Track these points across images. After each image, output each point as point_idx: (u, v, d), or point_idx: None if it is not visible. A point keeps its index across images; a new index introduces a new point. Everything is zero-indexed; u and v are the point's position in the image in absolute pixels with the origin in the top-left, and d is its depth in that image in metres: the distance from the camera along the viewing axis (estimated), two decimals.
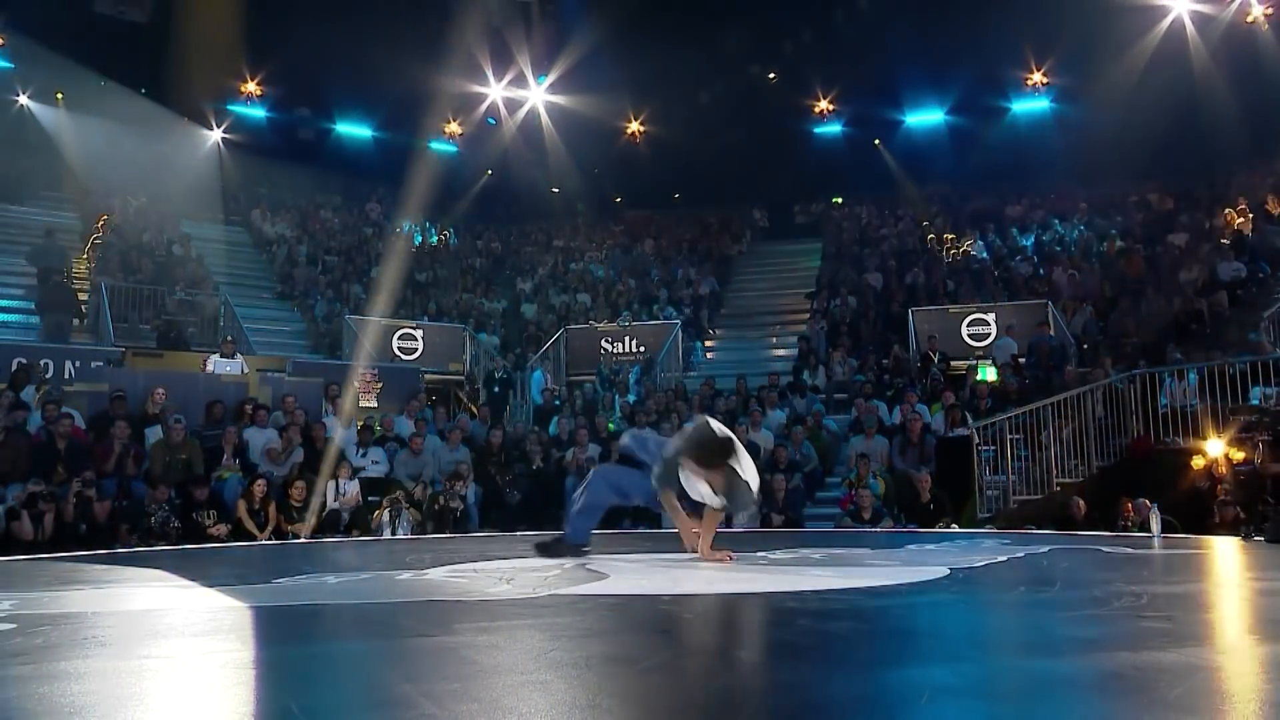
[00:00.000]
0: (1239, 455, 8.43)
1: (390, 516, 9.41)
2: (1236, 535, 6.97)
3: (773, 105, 22.70)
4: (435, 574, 4.89)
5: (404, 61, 18.56)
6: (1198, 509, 8.68)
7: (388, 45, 18.59)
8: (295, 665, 2.71)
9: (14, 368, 10.49)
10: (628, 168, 23.22)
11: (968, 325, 14.70)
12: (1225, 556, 5.84)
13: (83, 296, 14.99)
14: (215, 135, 20.97)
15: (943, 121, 22.05)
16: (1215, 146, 17.61)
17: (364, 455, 10.59)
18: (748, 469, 4.90)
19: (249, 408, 10.62)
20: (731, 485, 4.85)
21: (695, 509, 5.27)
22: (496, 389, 14.76)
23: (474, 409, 13.59)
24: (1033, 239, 18.00)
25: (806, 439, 11.40)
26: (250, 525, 8.98)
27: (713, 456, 4.82)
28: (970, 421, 10.69)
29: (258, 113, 21.65)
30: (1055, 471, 10.36)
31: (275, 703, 2.24)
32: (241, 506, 9.05)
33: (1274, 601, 4.14)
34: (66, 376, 11.36)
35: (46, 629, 3.20)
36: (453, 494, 9.98)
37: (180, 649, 2.96)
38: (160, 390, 10.39)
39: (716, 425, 5.06)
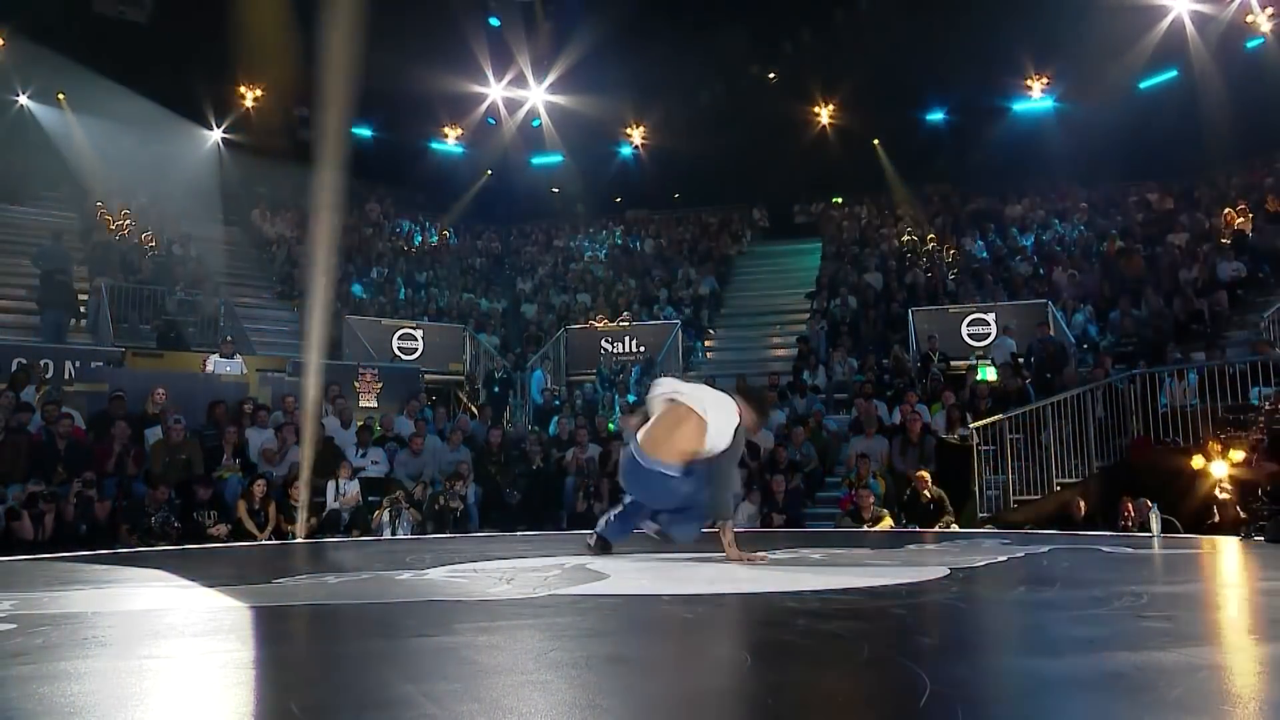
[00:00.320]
0: (1236, 456, 8.42)
1: (390, 516, 9.41)
2: (1236, 535, 6.97)
3: (772, 105, 22.69)
4: (435, 574, 4.89)
5: (404, 61, 18.56)
6: (1198, 509, 8.68)
7: (388, 45, 18.57)
8: (295, 665, 2.71)
9: (14, 368, 10.49)
10: (627, 168, 23.22)
11: (968, 325, 14.70)
12: (1225, 556, 5.84)
13: (83, 297, 15.00)
14: (215, 135, 20.96)
15: (943, 121, 22.04)
16: (1215, 146, 17.61)
17: (364, 455, 10.59)
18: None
19: (249, 408, 10.62)
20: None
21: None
22: (496, 389, 14.76)
23: (474, 409, 13.60)
24: (1033, 239, 18.00)
25: (806, 439, 11.40)
26: (250, 525, 8.98)
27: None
28: (968, 421, 10.69)
29: (260, 113, 21.61)
30: (1055, 471, 10.36)
31: (275, 703, 2.24)
32: (241, 506, 9.06)
33: (1274, 601, 4.14)
34: (66, 376, 11.36)
35: (46, 629, 3.20)
36: (453, 494, 9.98)
37: (180, 649, 2.96)
38: (160, 390, 10.39)
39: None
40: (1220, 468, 8.58)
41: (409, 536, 9.17)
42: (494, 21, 21.01)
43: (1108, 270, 15.90)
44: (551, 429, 12.32)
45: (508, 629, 3.22)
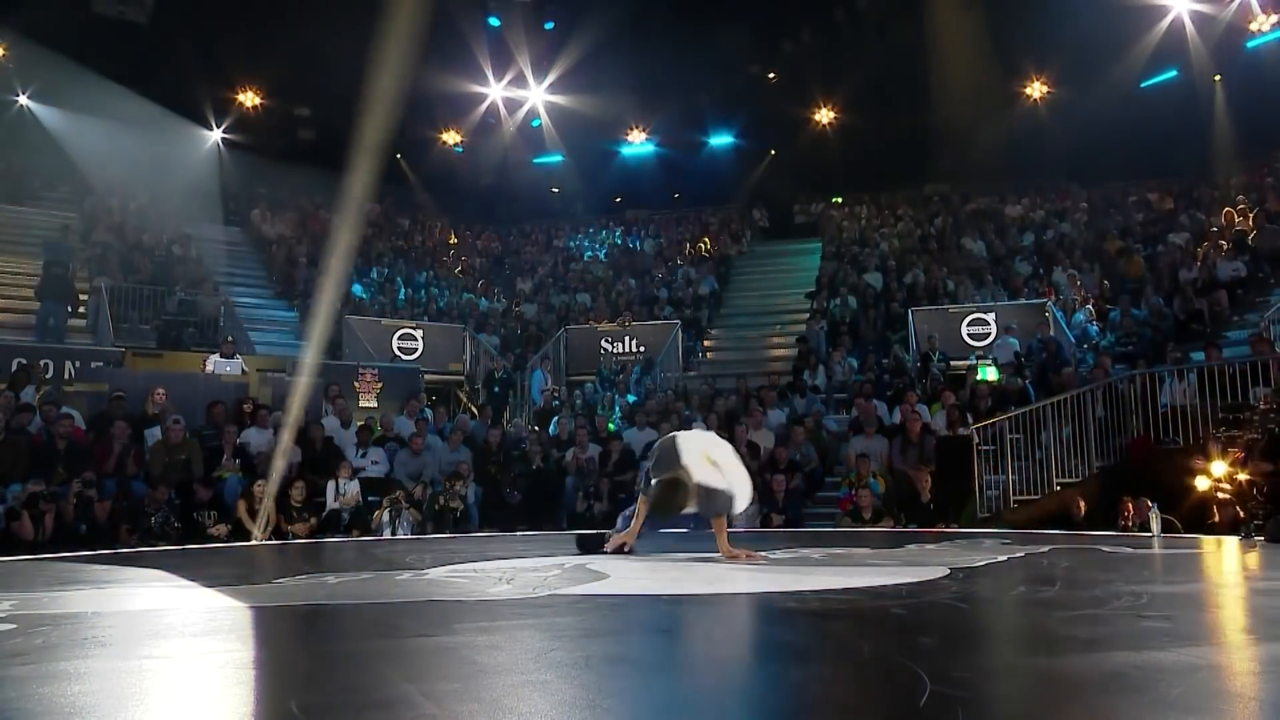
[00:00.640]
0: (1235, 455, 8.42)
1: (390, 516, 9.41)
2: (1236, 535, 6.97)
3: (772, 105, 22.70)
4: (435, 574, 4.89)
5: (404, 62, 18.52)
6: (1198, 509, 8.68)
7: (387, 45, 18.57)
8: (295, 665, 2.71)
9: (14, 368, 10.48)
10: (627, 168, 23.23)
11: (967, 325, 14.69)
12: (1225, 556, 5.85)
13: (83, 296, 15.00)
14: (215, 135, 20.96)
15: (942, 120, 22.01)
16: (1215, 146, 17.62)
17: (364, 455, 10.59)
18: (702, 474, 5.17)
19: (248, 408, 10.62)
20: (702, 494, 5.18)
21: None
22: (496, 389, 14.76)
23: (474, 409, 13.59)
24: (1033, 239, 18.00)
25: (806, 439, 11.39)
26: (250, 525, 8.98)
27: (662, 472, 5.26)
28: (970, 421, 10.69)
29: (257, 113, 21.61)
30: (1055, 471, 10.36)
31: (275, 703, 2.24)
32: (241, 506, 9.05)
33: (1273, 601, 4.14)
34: (66, 376, 11.36)
35: (46, 629, 3.20)
36: (453, 494, 9.98)
37: (180, 649, 2.96)
38: (160, 390, 10.38)
39: (678, 440, 5.42)
40: (1219, 467, 8.58)
41: (409, 536, 9.17)
42: (493, 21, 21.00)
43: (1108, 270, 15.90)
44: (551, 429, 12.32)
45: (508, 629, 3.22)
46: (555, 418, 12.69)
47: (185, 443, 9.62)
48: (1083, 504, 9.27)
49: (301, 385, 10.44)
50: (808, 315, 16.88)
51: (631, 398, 13.87)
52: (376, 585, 4.65)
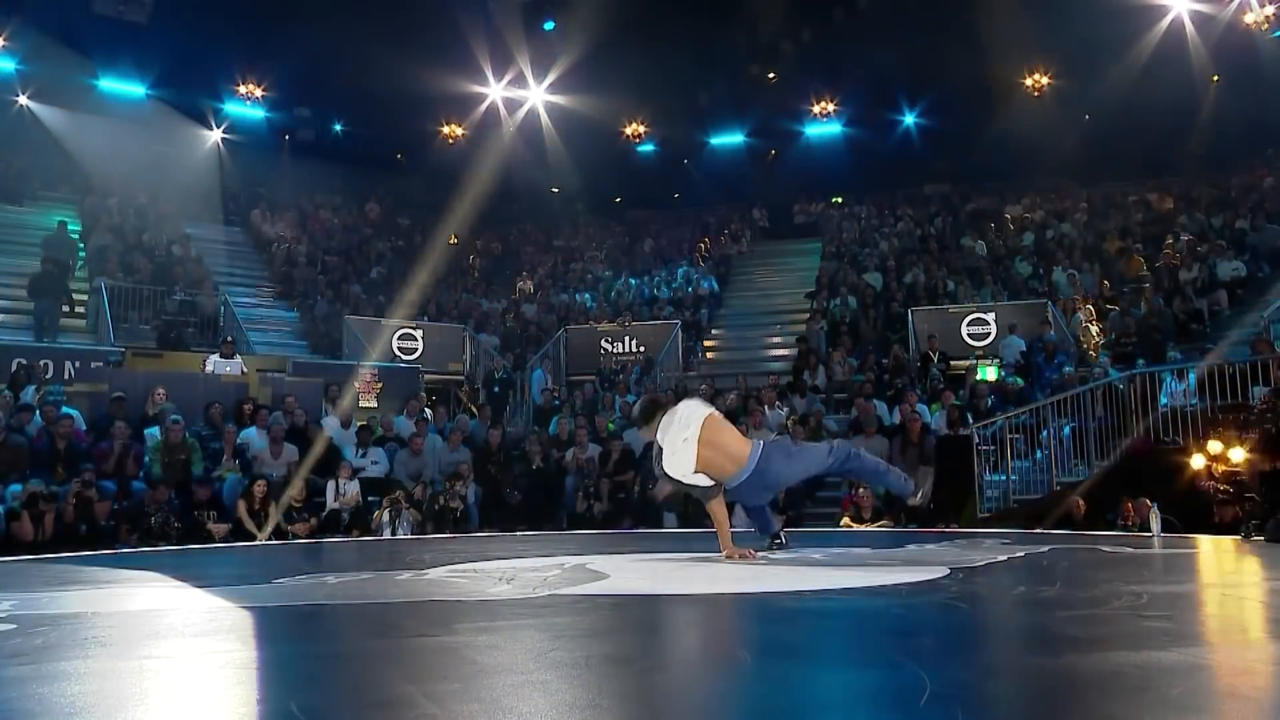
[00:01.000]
0: (1233, 455, 8.42)
1: (390, 516, 9.41)
2: (1236, 535, 6.97)
3: (772, 105, 22.69)
4: (435, 574, 4.89)
5: (404, 61, 18.57)
6: (1198, 509, 8.68)
7: (388, 45, 18.59)
8: (295, 665, 2.71)
9: (14, 368, 10.48)
10: (628, 168, 23.21)
11: (967, 325, 14.69)
12: (1225, 556, 5.84)
13: (83, 297, 15.01)
14: (215, 135, 20.96)
15: (942, 121, 22.03)
16: (1215, 146, 17.62)
17: (364, 455, 10.59)
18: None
19: (248, 408, 10.62)
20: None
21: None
22: (496, 389, 14.76)
23: (474, 409, 13.60)
24: (1032, 239, 18.01)
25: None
26: (250, 525, 8.98)
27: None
28: (970, 421, 10.69)
29: (257, 113, 21.62)
30: (1055, 471, 10.36)
31: (275, 703, 2.24)
32: (241, 506, 9.05)
33: (1274, 601, 4.14)
34: (66, 377, 11.36)
35: (46, 629, 3.20)
36: (453, 494, 9.98)
37: (180, 649, 2.96)
38: (160, 390, 10.39)
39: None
40: (1215, 446, 8.59)
41: (409, 536, 9.17)
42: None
43: (1108, 270, 15.90)
44: (551, 429, 12.32)
45: (508, 629, 3.22)
46: (555, 418, 12.70)
47: (185, 443, 9.62)
48: (1082, 504, 9.27)
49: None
50: (808, 315, 16.89)
51: (631, 398, 13.86)
52: (376, 585, 4.65)
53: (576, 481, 10.76)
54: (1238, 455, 8.11)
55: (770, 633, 3.38)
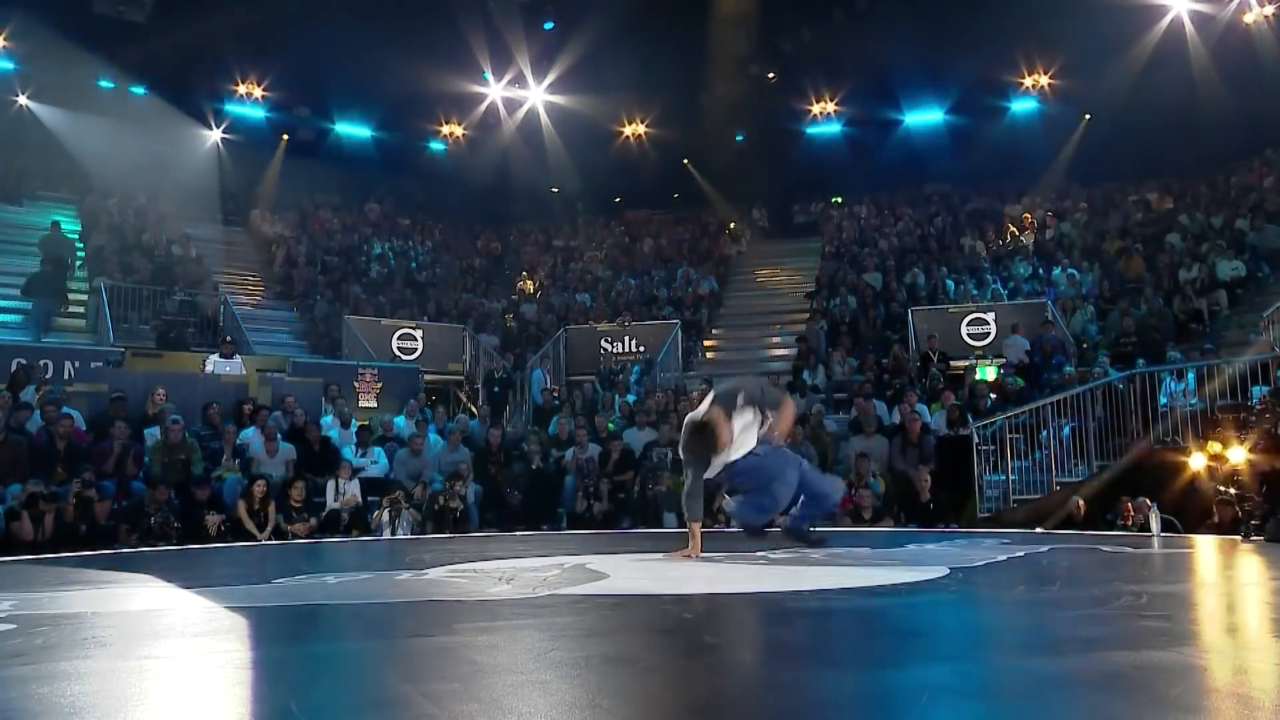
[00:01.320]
0: (1232, 455, 8.42)
1: (390, 516, 9.41)
2: (1236, 535, 6.97)
3: (772, 105, 22.68)
4: (435, 574, 4.89)
5: (404, 61, 18.57)
6: (1197, 509, 8.68)
7: (388, 45, 18.60)
8: (295, 665, 2.71)
9: (14, 368, 10.48)
10: (627, 168, 23.21)
11: (967, 325, 14.70)
12: (1225, 556, 5.84)
13: (83, 297, 15.01)
14: (215, 135, 20.96)
15: (942, 121, 22.04)
16: (1215, 145, 17.62)
17: (364, 455, 10.59)
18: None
19: (248, 408, 10.61)
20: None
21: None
22: (496, 389, 14.76)
23: (474, 409, 13.58)
24: (1032, 239, 18.01)
25: (806, 439, 11.39)
26: (250, 525, 8.98)
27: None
28: (970, 421, 10.69)
29: (257, 113, 21.62)
30: (1055, 471, 10.36)
31: (275, 703, 2.25)
32: (241, 506, 9.05)
33: (1274, 601, 4.14)
34: (66, 377, 11.36)
35: (46, 629, 3.20)
36: (453, 494, 9.98)
37: (180, 649, 2.96)
38: (160, 391, 10.39)
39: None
40: (1213, 446, 8.59)
41: (409, 536, 9.17)
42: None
43: (1108, 270, 15.91)
44: (551, 429, 12.32)
45: (507, 629, 3.22)
46: (555, 418, 12.70)
47: (184, 443, 9.62)
48: (1082, 504, 9.28)
49: None
50: (808, 315, 16.89)
51: (631, 398, 13.87)
52: (376, 585, 4.65)
53: (576, 481, 10.76)
54: (1238, 455, 8.11)
55: (770, 633, 3.38)
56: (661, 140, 22.89)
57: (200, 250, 17.39)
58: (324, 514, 9.53)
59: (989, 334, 14.47)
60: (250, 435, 10.20)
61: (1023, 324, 14.04)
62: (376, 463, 10.61)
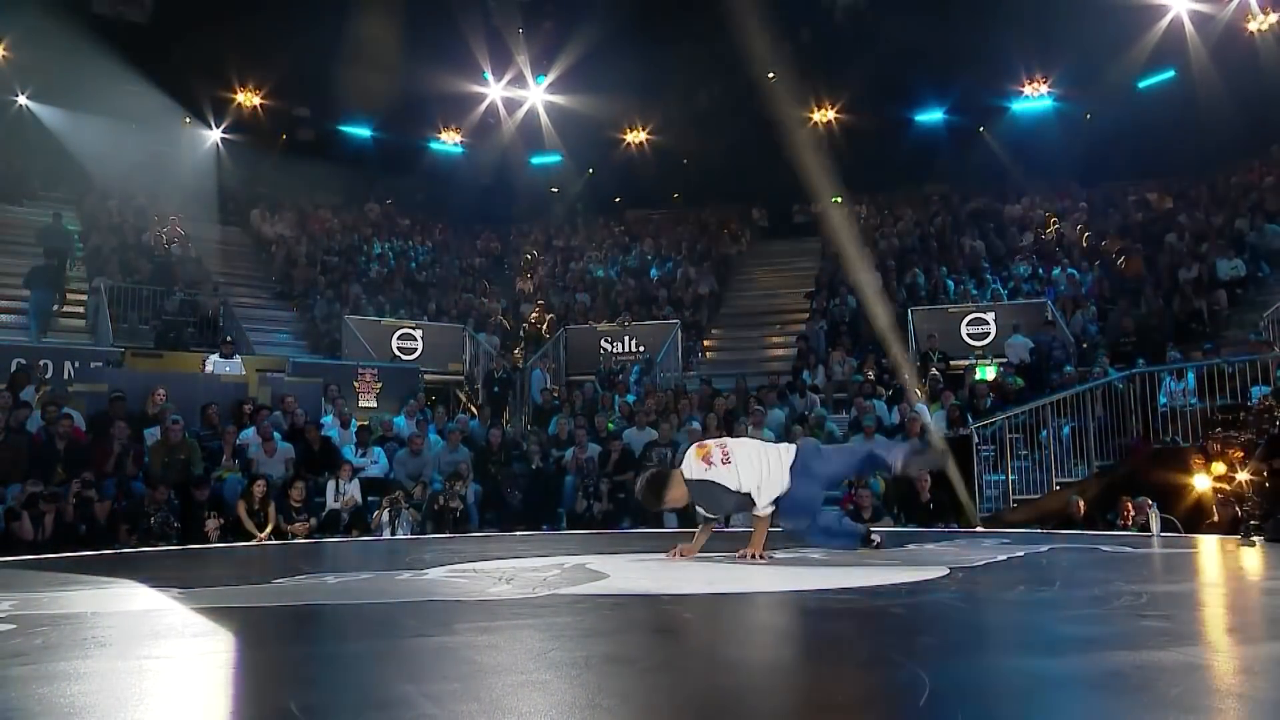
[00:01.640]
0: (1233, 455, 8.43)
1: (390, 516, 9.41)
2: (1236, 535, 6.97)
3: (772, 105, 22.65)
4: (435, 574, 4.89)
5: (404, 61, 18.57)
6: (1198, 509, 8.68)
7: (388, 45, 18.60)
8: (295, 665, 2.71)
9: (14, 368, 10.48)
10: (627, 168, 23.20)
11: (967, 325, 14.70)
12: (1225, 556, 5.84)
13: (83, 297, 15.00)
14: (214, 135, 20.96)
15: (942, 121, 22.03)
16: (1214, 145, 17.62)
17: (364, 455, 10.59)
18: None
19: (248, 408, 10.61)
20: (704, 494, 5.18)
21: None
22: (496, 389, 14.77)
23: (474, 409, 13.59)
24: (1032, 239, 18.01)
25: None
26: (250, 525, 8.98)
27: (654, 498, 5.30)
28: (970, 421, 10.70)
29: (257, 113, 21.60)
30: (1055, 471, 10.37)
31: (275, 703, 2.24)
32: (241, 507, 9.05)
33: (1274, 601, 4.14)
34: (66, 377, 11.36)
35: (46, 629, 3.20)
36: (453, 494, 9.98)
37: (180, 649, 2.96)
38: (160, 391, 10.39)
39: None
40: (1217, 467, 8.59)
41: (409, 536, 9.17)
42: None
43: (1108, 270, 15.91)
44: (551, 429, 12.32)
45: (507, 629, 3.22)
46: (555, 418, 12.70)
47: (184, 443, 9.62)
48: (1082, 504, 9.28)
49: None
50: (807, 315, 16.89)
51: (630, 398, 13.87)
52: (376, 585, 4.65)
53: (576, 481, 10.76)
54: (1237, 456, 8.12)
55: (770, 633, 3.38)
56: (662, 140, 22.90)
57: (200, 250, 17.39)
58: (324, 514, 9.53)
59: (989, 334, 14.48)
60: (250, 435, 10.21)
61: (1023, 324, 14.05)
62: (376, 463, 10.61)
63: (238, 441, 10.03)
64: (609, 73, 19.98)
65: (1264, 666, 2.55)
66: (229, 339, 13.02)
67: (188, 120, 20.40)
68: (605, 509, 10.40)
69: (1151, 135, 18.15)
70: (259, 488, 9.11)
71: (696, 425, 11.28)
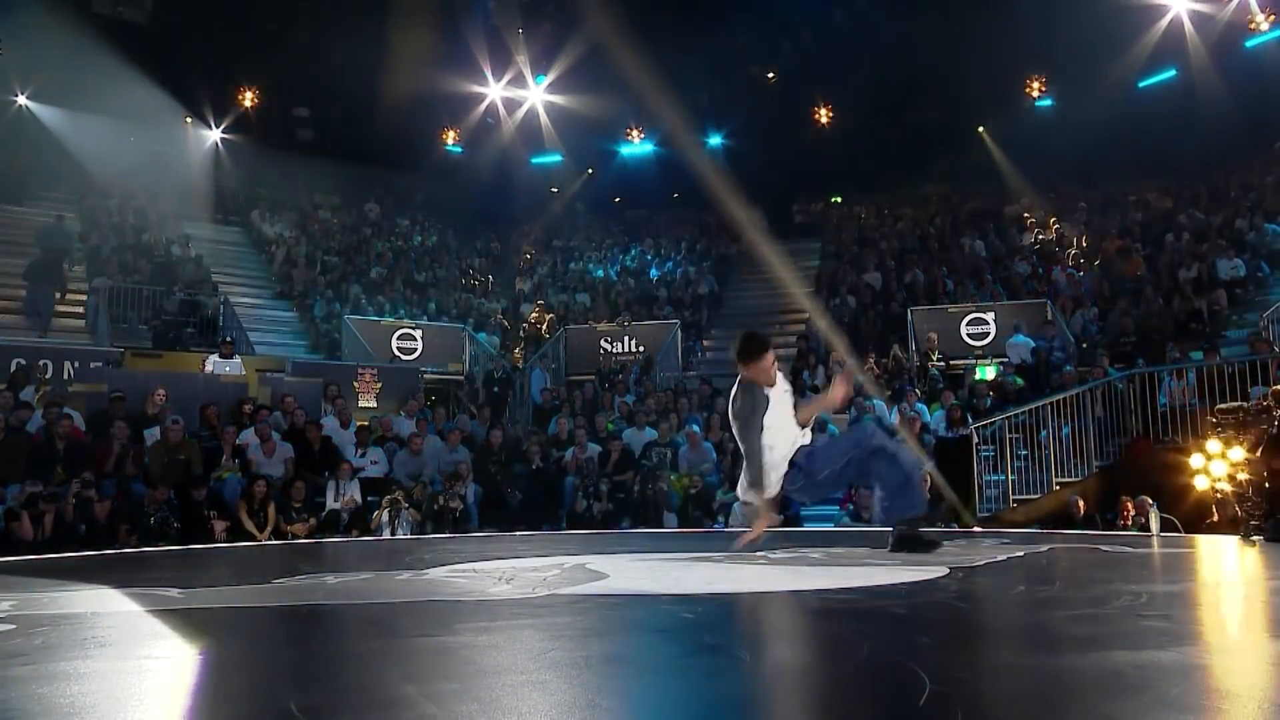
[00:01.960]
0: (1233, 454, 8.41)
1: (390, 516, 9.40)
2: (1236, 534, 6.97)
3: (772, 105, 22.68)
4: (435, 574, 4.89)
5: (405, 61, 18.58)
6: (1197, 509, 8.67)
7: (388, 45, 18.60)
8: (295, 665, 2.71)
9: (14, 368, 10.48)
10: (627, 167, 23.20)
11: (967, 325, 14.70)
12: (1225, 556, 5.84)
13: (82, 297, 15.00)
14: (214, 135, 20.96)
15: (942, 121, 22.01)
16: (1214, 145, 17.63)
17: (364, 455, 10.59)
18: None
19: (247, 408, 10.61)
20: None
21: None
22: (496, 389, 14.77)
23: (474, 409, 13.59)
24: (1032, 239, 18.01)
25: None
26: (250, 525, 8.98)
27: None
28: (970, 421, 10.70)
29: (256, 112, 21.60)
30: (1055, 471, 10.37)
31: (275, 703, 2.24)
32: (242, 507, 9.05)
33: (1274, 601, 4.14)
34: (66, 377, 11.36)
35: (46, 629, 3.20)
36: (453, 494, 9.98)
37: (180, 649, 2.96)
38: (160, 391, 10.39)
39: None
40: (1219, 466, 8.57)
41: (409, 536, 9.17)
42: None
43: (1108, 270, 15.91)
44: (551, 429, 12.32)
45: (507, 629, 3.22)
46: (555, 418, 12.70)
47: (184, 443, 9.62)
48: (1082, 504, 9.28)
49: None
50: (807, 315, 16.89)
51: (630, 398, 13.87)
52: (376, 585, 4.65)
53: (576, 481, 10.76)
54: (1237, 455, 8.10)
55: (770, 633, 3.38)
56: (661, 140, 22.89)
57: (200, 250, 17.39)
58: (324, 514, 9.53)
59: (989, 334, 14.48)
60: (250, 435, 10.20)
61: (1023, 324, 14.05)
62: (376, 463, 10.61)
63: (237, 441, 10.03)
64: (609, 72, 19.97)
65: (1264, 667, 2.55)
66: (229, 339, 13.02)
67: (188, 120, 20.42)
68: (605, 509, 10.40)
69: (1151, 135, 18.15)
70: (259, 488, 9.12)
71: (696, 427, 11.28)
